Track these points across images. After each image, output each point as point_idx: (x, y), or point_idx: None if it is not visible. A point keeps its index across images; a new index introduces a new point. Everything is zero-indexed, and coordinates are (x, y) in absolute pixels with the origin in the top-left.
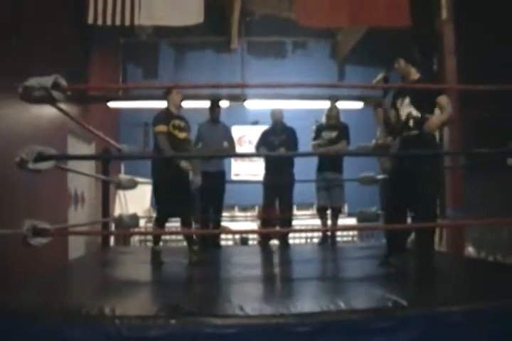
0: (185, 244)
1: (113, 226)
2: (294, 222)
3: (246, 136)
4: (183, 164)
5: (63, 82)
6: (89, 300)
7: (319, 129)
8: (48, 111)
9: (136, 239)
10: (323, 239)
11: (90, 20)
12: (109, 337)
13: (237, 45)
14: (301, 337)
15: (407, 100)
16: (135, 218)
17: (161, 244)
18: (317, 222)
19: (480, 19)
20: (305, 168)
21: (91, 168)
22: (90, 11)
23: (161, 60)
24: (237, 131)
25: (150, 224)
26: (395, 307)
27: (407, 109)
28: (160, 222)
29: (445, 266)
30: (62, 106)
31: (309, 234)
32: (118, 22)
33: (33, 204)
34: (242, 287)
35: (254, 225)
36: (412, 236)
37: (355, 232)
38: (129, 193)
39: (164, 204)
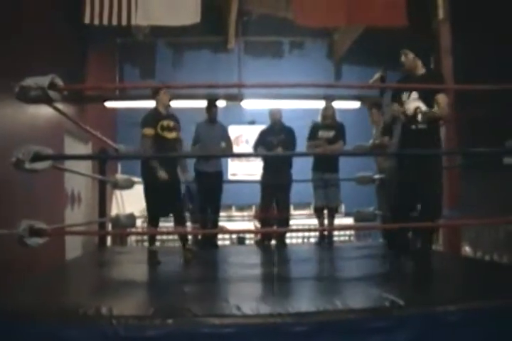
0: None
1: (110, 226)
2: (291, 222)
3: (243, 136)
4: (161, 174)
5: (60, 82)
6: (86, 300)
7: (315, 128)
8: (44, 111)
9: (133, 238)
10: (320, 239)
11: (87, 20)
12: (107, 337)
13: (234, 45)
14: (298, 337)
15: (414, 95)
16: (132, 218)
17: (157, 243)
18: (314, 221)
19: (476, 19)
20: (302, 168)
21: (88, 168)
22: (87, 10)
23: (158, 60)
24: (234, 131)
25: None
26: (391, 306)
27: (415, 103)
28: (153, 221)
29: (442, 265)
30: (59, 106)
31: (306, 234)
32: (115, 22)
33: (29, 204)
34: (240, 287)
35: (251, 225)
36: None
37: (352, 232)
38: (125, 193)
39: (154, 204)
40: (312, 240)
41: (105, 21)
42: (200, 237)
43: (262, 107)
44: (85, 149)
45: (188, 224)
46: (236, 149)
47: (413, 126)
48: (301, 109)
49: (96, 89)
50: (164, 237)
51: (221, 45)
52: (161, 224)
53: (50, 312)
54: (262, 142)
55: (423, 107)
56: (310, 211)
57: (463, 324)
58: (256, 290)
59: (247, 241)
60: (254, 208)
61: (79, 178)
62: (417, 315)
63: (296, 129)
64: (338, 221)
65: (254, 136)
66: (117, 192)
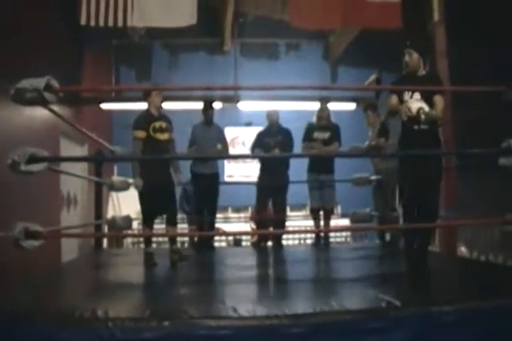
0: (178, 245)
1: (106, 228)
2: (287, 223)
3: (239, 138)
4: (137, 182)
5: (55, 84)
6: (82, 302)
7: (310, 129)
8: (40, 112)
9: (129, 240)
10: (317, 240)
11: (83, 21)
12: (103, 340)
13: (230, 47)
14: (295, 338)
15: (417, 95)
16: (128, 220)
17: (153, 245)
18: (310, 222)
19: (471, 21)
20: (298, 169)
21: (84, 170)
22: (83, 12)
23: (154, 62)
24: (230, 133)
25: None
26: (388, 307)
27: (418, 103)
28: (147, 222)
29: (438, 266)
30: (55, 107)
31: (303, 235)
32: (111, 23)
33: (25, 206)
34: (236, 288)
35: (247, 226)
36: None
37: (349, 233)
38: (121, 195)
39: (147, 205)
40: (308, 241)
41: (101, 22)
42: (196, 239)
43: (259, 109)
44: (81, 151)
45: (185, 225)
46: (232, 151)
47: (415, 127)
48: (297, 110)
49: (92, 91)
50: (161, 239)
51: (217, 47)
52: (157, 226)
53: (47, 314)
54: (259, 144)
55: (426, 108)
56: (306, 212)
57: (459, 324)
58: (252, 292)
59: (244, 243)
60: (250, 209)
61: (75, 180)
62: (414, 315)
63: (293, 131)
64: (335, 222)
65: (250, 137)
66: (113, 194)
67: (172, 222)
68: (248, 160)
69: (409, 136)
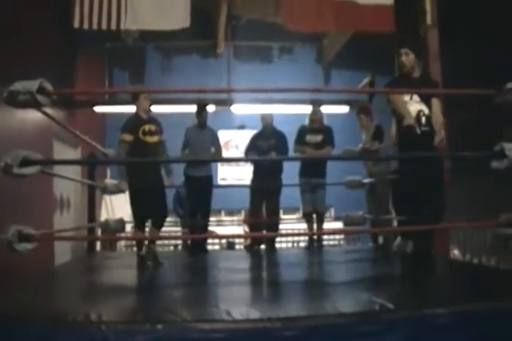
0: (171, 248)
1: (99, 231)
2: (281, 226)
3: (232, 141)
4: (122, 186)
5: (49, 87)
6: (75, 305)
7: (302, 132)
8: (33, 115)
9: (122, 243)
10: (310, 243)
11: (76, 24)
12: None
13: (224, 50)
14: None
15: (416, 98)
16: (121, 223)
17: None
18: (303, 226)
19: (464, 25)
20: (291, 173)
21: (77, 173)
22: (76, 14)
23: (148, 65)
24: (223, 136)
25: None
26: (381, 310)
27: (417, 106)
28: (139, 226)
29: (431, 268)
30: (48, 110)
31: (296, 238)
32: (104, 26)
33: (18, 209)
34: (229, 291)
35: (240, 229)
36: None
37: (342, 236)
38: (115, 198)
39: (138, 208)
40: (302, 244)
41: (95, 25)
42: (189, 242)
43: (252, 112)
44: (74, 154)
45: (179, 228)
46: (225, 154)
47: (416, 128)
48: (290, 113)
49: (85, 94)
50: None
51: (210, 50)
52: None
53: (39, 317)
54: (253, 147)
55: (425, 110)
56: (299, 215)
57: (452, 327)
58: (246, 295)
59: (237, 246)
60: (243, 213)
61: (68, 183)
62: (407, 318)
63: (286, 134)
64: (328, 225)
65: (243, 140)
66: (107, 197)
67: (157, 225)
68: (241, 163)
69: (410, 137)
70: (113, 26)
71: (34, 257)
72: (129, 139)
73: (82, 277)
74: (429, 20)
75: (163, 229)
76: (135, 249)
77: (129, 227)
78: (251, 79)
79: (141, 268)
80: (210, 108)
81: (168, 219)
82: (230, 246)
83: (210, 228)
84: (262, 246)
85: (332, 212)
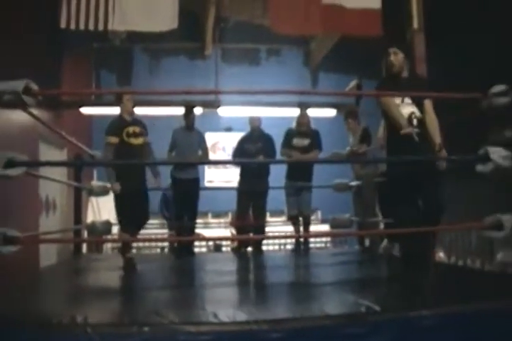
0: (158, 250)
1: (85, 233)
2: (267, 229)
3: (219, 143)
4: (115, 187)
5: (34, 87)
6: (61, 308)
7: (289, 135)
8: (18, 116)
9: (108, 246)
10: (297, 246)
11: (63, 24)
12: None
13: (211, 52)
14: None
15: (407, 99)
16: (108, 225)
17: (133, 251)
18: (290, 228)
19: (450, 29)
20: (278, 175)
21: (63, 175)
22: (63, 14)
23: (135, 66)
24: (210, 138)
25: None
26: (367, 312)
27: (409, 108)
28: (126, 228)
29: (417, 271)
30: (34, 111)
31: (283, 241)
32: (91, 27)
33: (2, 211)
34: (216, 294)
35: (227, 232)
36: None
37: (329, 238)
38: (101, 200)
39: (123, 210)
40: (288, 247)
41: (81, 26)
42: (176, 245)
43: (239, 114)
44: (60, 155)
45: (165, 231)
46: (212, 156)
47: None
48: (277, 116)
49: (72, 95)
50: (141, 244)
51: (198, 52)
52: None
53: (24, 320)
54: (241, 149)
55: (417, 113)
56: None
57: (438, 329)
58: (232, 297)
59: (224, 249)
60: (230, 215)
61: (54, 184)
62: (393, 320)
63: (274, 137)
64: (315, 227)
65: (230, 143)
66: (93, 199)
67: (138, 228)
68: (229, 165)
69: (401, 139)
70: (100, 27)
71: (18, 260)
72: (114, 141)
73: (68, 279)
74: (415, 24)
75: (151, 231)
76: (119, 251)
77: (115, 229)
78: (238, 82)
79: (128, 271)
80: (197, 110)
81: (155, 221)
82: (217, 248)
83: (197, 230)
84: (249, 249)
85: (319, 214)
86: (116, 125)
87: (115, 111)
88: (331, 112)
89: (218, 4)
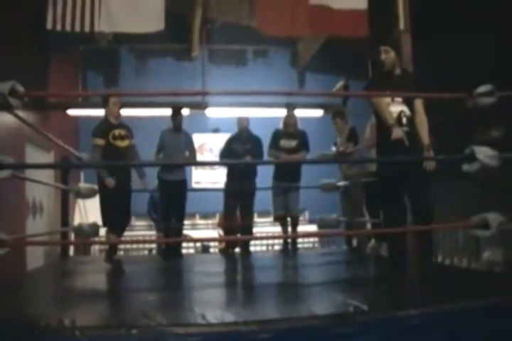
0: (146, 252)
1: (73, 236)
2: (255, 230)
3: (207, 144)
4: (109, 181)
5: (21, 89)
6: (48, 311)
7: (276, 136)
8: (4, 118)
9: (96, 248)
10: (285, 246)
11: (49, 25)
12: None
13: (198, 53)
14: None
15: (398, 98)
16: (95, 227)
17: (121, 253)
18: (278, 229)
19: (436, 30)
20: (265, 176)
21: (50, 177)
22: (49, 16)
23: (122, 67)
24: (197, 139)
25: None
26: (355, 312)
27: (398, 106)
28: (112, 230)
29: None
30: (20, 113)
31: (270, 241)
32: (78, 28)
33: None
34: (204, 295)
35: (215, 233)
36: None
37: (316, 239)
38: (88, 202)
39: (108, 212)
40: (276, 247)
41: (68, 27)
42: (164, 246)
43: (226, 115)
44: (47, 157)
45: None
46: (200, 157)
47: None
48: (265, 117)
49: (58, 97)
50: (128, 246)
51: (185, 53)
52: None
53: (11, 323)
54: (228, 150)
55: (407, 111)
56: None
57: (426, 328)
58: (220, 298)
59: (212, 250)
60: (218, 216)
61: (41, 187)
62: (381, 320)
63: (261, 138)
64: (302, 228)
65: (218, 144)
66: (80, 201)
67: (121, 228)
68: (216, 166)
69: (391, 138)
70: (87, 28)
71: (5, 262)
72: (101, 143)
73: (56, 282)
74: (402, 25)
75: (139, 233)
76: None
77: (102, 231)
78: (225, 83)
79: (116, 273)
80: (185, 111)
81: (143, 223)
82: (205, 249)
83: (185, 232)
84: (237, 250)
85: (306, 214)
86: (103, 127)
87: (102, 112)
88: (318, 113)
89: (205, 5)
